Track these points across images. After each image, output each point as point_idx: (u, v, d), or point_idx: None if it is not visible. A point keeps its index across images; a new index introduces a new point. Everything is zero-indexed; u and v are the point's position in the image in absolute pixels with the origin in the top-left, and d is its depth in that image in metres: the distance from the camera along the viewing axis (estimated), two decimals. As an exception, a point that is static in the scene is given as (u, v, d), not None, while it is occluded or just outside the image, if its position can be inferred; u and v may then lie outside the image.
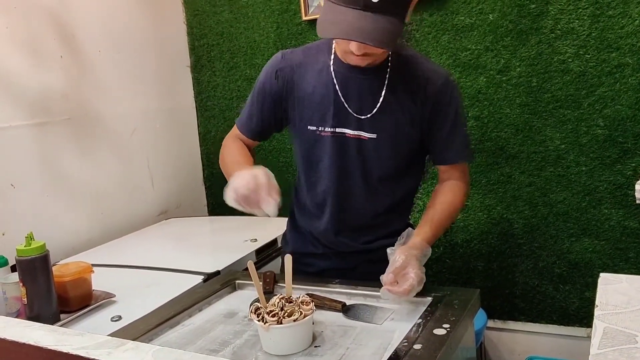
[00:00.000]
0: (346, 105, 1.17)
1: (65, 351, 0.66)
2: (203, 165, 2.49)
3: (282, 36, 2.17)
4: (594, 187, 1.76)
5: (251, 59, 2.26)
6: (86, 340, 0.70)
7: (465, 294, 1.10)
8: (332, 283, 1.24)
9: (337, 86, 1.17)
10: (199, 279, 1.41)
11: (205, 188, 2.50)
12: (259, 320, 0.95)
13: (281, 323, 0.94)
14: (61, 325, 1.15)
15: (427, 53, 1.91)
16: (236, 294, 1.30)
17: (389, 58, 1.17)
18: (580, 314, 1.85)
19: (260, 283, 1.05)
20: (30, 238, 1.13)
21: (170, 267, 1.52)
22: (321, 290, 1.20)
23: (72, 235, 1.84)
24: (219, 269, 1.47)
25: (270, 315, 0.95)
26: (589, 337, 1.82)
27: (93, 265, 1.37)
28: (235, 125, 1.34)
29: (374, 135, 1.18)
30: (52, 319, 1.15)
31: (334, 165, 1.22)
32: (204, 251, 1.74)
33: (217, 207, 2.45)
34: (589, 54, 1.70)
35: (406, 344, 0.91)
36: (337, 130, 1.19)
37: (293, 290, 1.04)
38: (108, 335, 0.86)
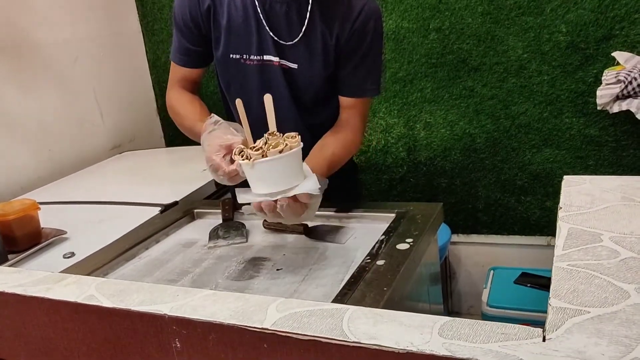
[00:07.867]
0: (270, 32, 1.12)
1: (-2, 290, 0.61)
2: (155, 94, 2.36)
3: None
4: (555, 96, 1.74)
5: (197, -25, 2.08)
6: (23, 277, 0.64)
7: (427, 208, 1.08)
8: (294, 206, 1.20)
9: (259, 12, 1.12)
10: (156, 210, 1.35)
11: (160, 119, 2.38)
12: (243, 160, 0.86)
13: (266, 156, 0.86)
14: (10, 266, 1.09)
15: (385, -39, 1.79)
16: (195, 223, 1.26)
17: None
18: (541, 223, 1.89)
19: (248, 125, 0.94)
20: (-39, 177, 1.04)
21: (125, 200, 1.46)
22: (283, 214, 1.17)
23: (18, 174, 1.74)
24: (177, 199, 1.42)
25: (254, 150, 0.86)
26: (549, 245, 1.90)
27: (43, 203, 1.30)
28: (172, 65, 1.23)
29: (295, 66, 1.14)
30: (-2, 260, 1.09)
31: (262, 94, 1.18)
32: (161, 183, 1.67)
33: (175, 137, 2.35)
34: (552, -45, 1.62)
35: (369, 260, 0.89)
36: (265, 58, 1.14)
37: (255, 221, 0.97)
38: (60, 272, 0.80)
